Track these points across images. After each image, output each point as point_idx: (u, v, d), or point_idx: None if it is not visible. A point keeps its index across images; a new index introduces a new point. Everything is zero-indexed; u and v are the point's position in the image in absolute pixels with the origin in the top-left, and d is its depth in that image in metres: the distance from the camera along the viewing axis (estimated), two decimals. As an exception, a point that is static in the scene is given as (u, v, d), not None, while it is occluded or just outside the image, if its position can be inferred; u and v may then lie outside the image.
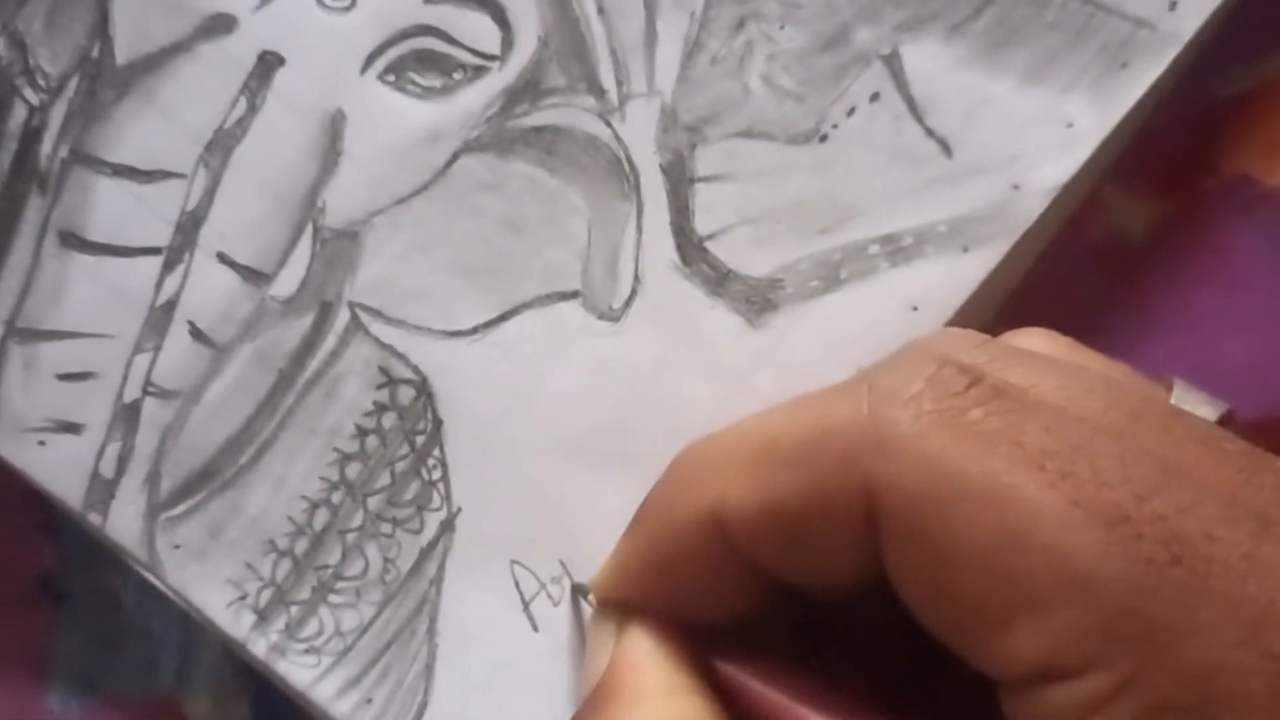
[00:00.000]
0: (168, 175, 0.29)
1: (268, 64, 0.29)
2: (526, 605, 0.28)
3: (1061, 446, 0.20)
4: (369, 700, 0.29)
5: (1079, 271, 0.30)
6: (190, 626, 0.31)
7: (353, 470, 0.29)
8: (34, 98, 0.29)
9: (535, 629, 0.28)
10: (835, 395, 0.22)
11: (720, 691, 0.24)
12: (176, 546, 0.29)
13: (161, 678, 0.32)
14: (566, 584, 0.28)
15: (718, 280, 0.28)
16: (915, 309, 0.28)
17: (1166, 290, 0.30)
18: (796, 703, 0.23)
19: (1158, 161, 0.30)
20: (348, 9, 0.29)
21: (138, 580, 0.29)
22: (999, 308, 0.29)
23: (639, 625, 0.25)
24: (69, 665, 0.32)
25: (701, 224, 0.28)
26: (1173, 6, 0.27)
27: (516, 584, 0.28)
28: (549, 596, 0.28)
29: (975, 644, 0.21)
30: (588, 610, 0.27)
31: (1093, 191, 0.29)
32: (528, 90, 0.29)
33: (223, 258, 0.29)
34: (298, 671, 0.29)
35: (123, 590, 0.32)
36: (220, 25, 0.29)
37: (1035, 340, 0.24)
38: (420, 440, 0.29)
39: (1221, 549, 0.19)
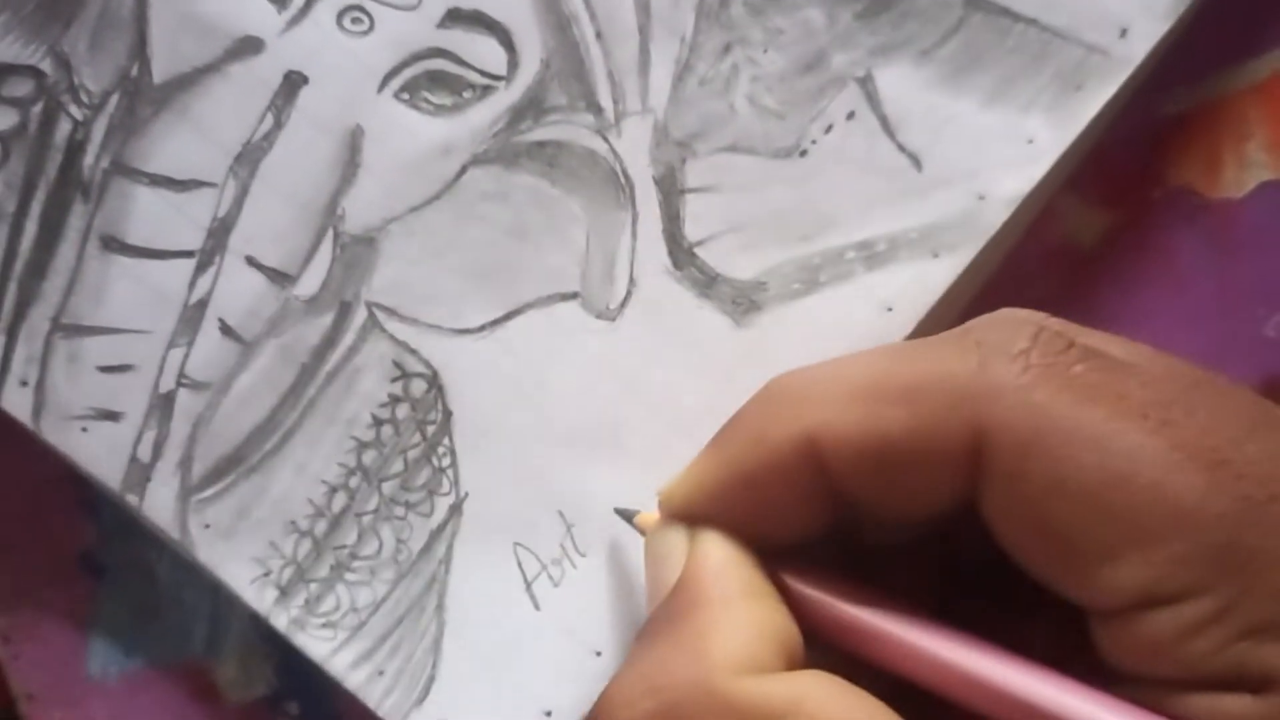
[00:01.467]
0: (200, 185, 0.29)
1: (292, 83, 0.29)
2: (529, 585, 0.29)
3: (1159, 398, 0.21)
4: (381, 672, 0.29)
5: (1037, 273, 0.30)
6: (219, 597, 0.31)
7: (369, 457, 0.29)
8: (78, 113, 0.29)
9: (537, 607, 0.29)
10: (941, 346, 0.23)
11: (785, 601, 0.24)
12: (207, 526, 0.29)
13: (193, 645, 0.32)
14: (566, 566, 0.29)
15: (706, 283, 0.29)
16: (889, 309, 0.29)
17: (1116, 291, 0.31)
18: (864, 611, 0.23)
19: (1108, 174, 0.31)
20: (366, 33, 0.29)
21: (171, 555, 0.30)
22: (965, 307, 0.29)
23: (714, 534, 0.25)
24: (108, 634, 0.32)
25: (691, 231, 0.29)
26: (1123, 34, 0.28)
27: (519, 565, 0.29)
28: (549, 577, 0.29)
29: (1076, 575, 0.22)
30: (627, 535, 0.28)
31: (1050, 201, 0.30)
32: (531, 108, 0.29)
33: (251, 260, 0.29)
34: (315, 644, 0.29)
35: (157, 564, 0.32)
36: (249, 47, 0.29)
37: None
38: (431, 430, 0.29)
39: None
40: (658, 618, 0.24)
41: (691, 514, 0.25)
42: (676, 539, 0.25)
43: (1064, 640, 0.23)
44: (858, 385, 0.23)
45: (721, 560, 0.24)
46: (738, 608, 0.23)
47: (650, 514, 0.27)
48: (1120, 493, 0.21)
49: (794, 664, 0.23)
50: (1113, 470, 0.21)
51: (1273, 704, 0.20)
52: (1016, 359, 0.22)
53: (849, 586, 0.24)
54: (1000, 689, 0.22)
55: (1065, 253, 0.31)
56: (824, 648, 0.24)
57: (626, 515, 0.28)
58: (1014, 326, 0.23)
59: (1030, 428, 0.22)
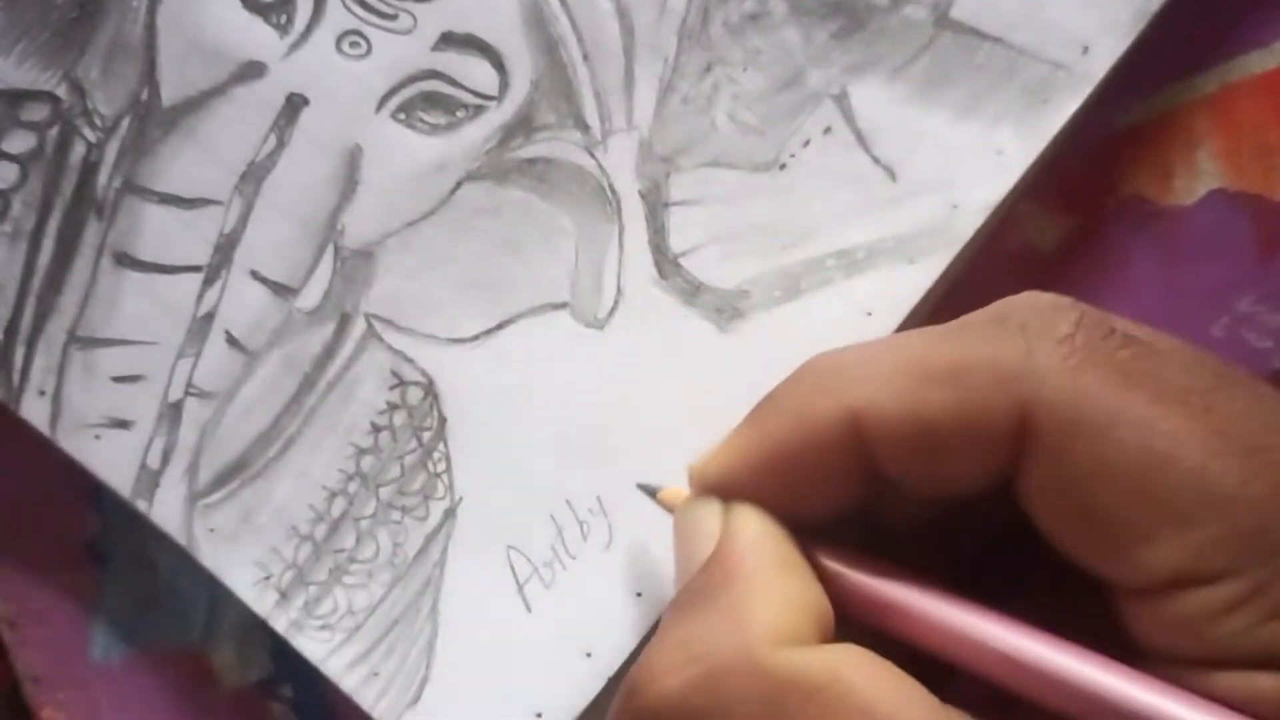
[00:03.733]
0: (208, 203, 0.30)
1: (294, 105, 0.30)
2: (521, 587, 0.29)
3: (1200, 385, 0.22)
4: (376, 674, 0.29)
5: (999, 276, 0.31)
6: (217, 586, 0.31)
7: (367, 463, 0.30)
8: (92, 136, 0.30)
9: (529, 610, 0.29)
10: (982, 329, 0.23)
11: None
12: (211, 530, 0.30)
13: (191, 631, 0.32)
14: (557, 569, 0.29)
15: (691, 292, 0.30)
16: (869, 314, 0.29)
17: (1073, 293, 0.29)
18: (897, 588, 0.23)
19: (1066, 183, 0.31)
20: (364, 56, 0.30)
21: (171, 545, 0.30)
22: (932, 309, 0.30)
23: (749, 509, 0.24)
24: (110, 620, 0.33)
25: (676, 243, 0.30)
26: (1085, 51, 0.29)
27: (512, 568, 0.29)
28: (541, 579, 0.29)
29: (1113, 554, 0.22)
30: (648, 510, 0.28)
31: (1011, 208, 0.30)
32: (522, 126, 0.30)
33: (255, 274, 0.30)
34: (313, 646, 0.30)
35: (158, 554, 0.32)
36: (252, 71, 0.30)
37: None
38: (427, 436, 0.30)
39: None
40: (693, 589, 0.24)
41: (726, 489, 0.25)
42: (710, 513, 0.25)
43: (1078, 623, 0.23)
44: (902, 364, 0.23)
45: (757, 533, 0.24)
46: (774, 580, 0.23)
47: (675, 489, 0.27)
48: (1161, 474, 0.21)
49: (828, 637, 0.23)
50: (1155, 452, 0.21)
51: None
52: (1063, 343, 0.22)
53: (878, 563, 0.24)
54: (1036, 666, 0.22)
55: (1026, 257, 0.31)
56: (852, 624, 0.24)
57: (650, 491, 0.28)
58: (1056, 312, 0.23)
59: (1075, 409, 0.22)
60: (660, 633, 0.24)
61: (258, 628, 0.31)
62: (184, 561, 0.31)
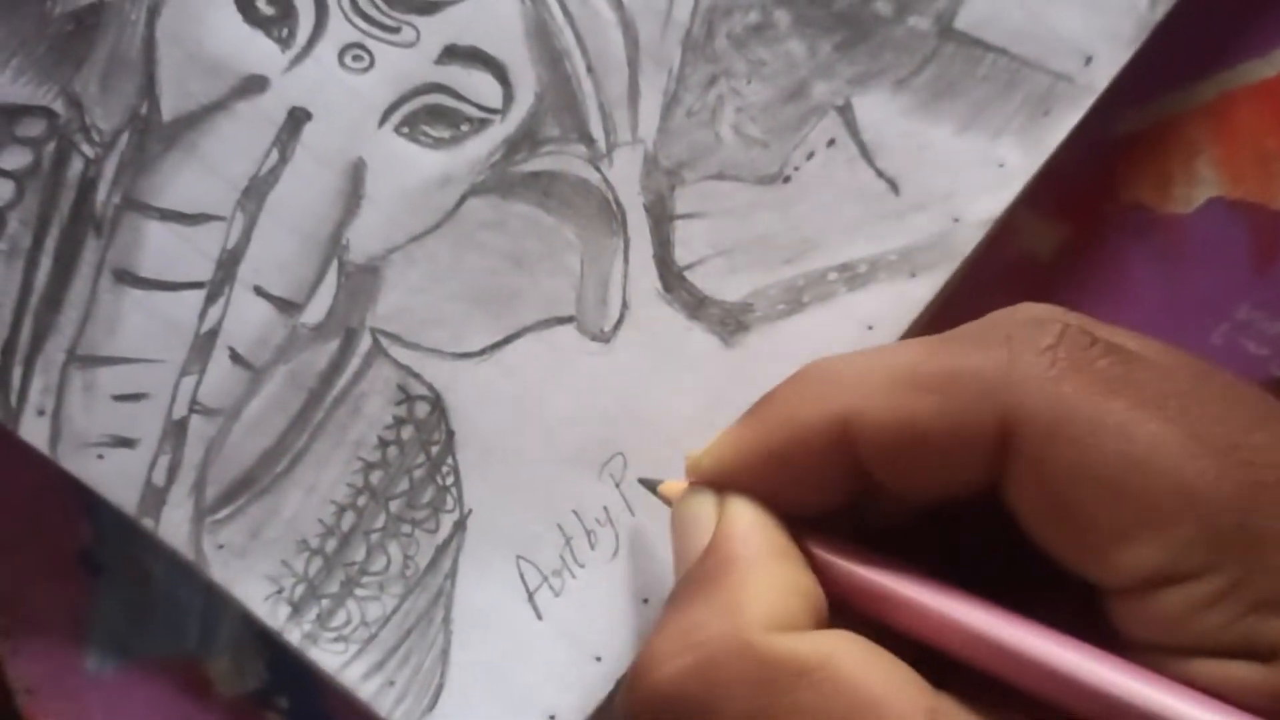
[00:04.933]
0: (209, 218, 0.30)
1: (296, 119, 0.30)
2: (531, 596, 0.30)
3: (1176, 390, 0.22)
4: (391, 683, 0.30)
5: (998, 285, 0.31)
6: (212, 595, 0.31)
7: (376, 477, 0.30)
8: (90, 151, 0.30)
9: (539, 617, 0.30)
10: (970, 341, 0.24)
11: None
12: (220, 546, 0.30)
13: (187, 641, 0.32)
14: (566, 577, 0.30)
15: (696, 305, 0.30)
16: (870, 328, 0.30)
17: (1072, 301, 0.30)
18: (886, 577, 0.24)
19: (1065, 191, 0.31)
20: (366, 69, 0.30)
21: (166, 555, 0.30)
22: (931, 318, 0.30)
23: (743, 500, 0.25)
24: (105, 631, 0.32)
25: (681, 256, 0.30)
26: (1088, 62, 0.29)
27: (522, 577, 0.30)
28: (550, 588, 0.30)
29: (1094, 555, 0.22)
30: (654, 519, 0.28)
31: (1009, 216, 0.30)
32: (526, 140, 0.30)
33: (259, 290, 0.30)
34: (328, 658, 0.30)
35: (153, 563, 0.32)
36: (254, 85, 0.30)
37: None
38: (435, 450, 0.30)
39: None
40: (691, 578, 0.25)
41: (720, 480, 0.26)
42: (705, 503, 0.26)
43: (1066, 619, 0.24)
44: (892, 373, 0.24)
45: (751, 523, 0.25)
46: (768, 568, 0.24)
47: (674, 483, 0.27)
48: (1138, 477, 0.22)
49: (821, 624, 0.24)
50: (1132, 456, 0.22)
51: (1278, 672, 0.22)
52: (1044, 353, 0.23)
53: (869, 554, 0.25)
54: (1023, 653, 0.23)
55: (1024, 265, 0.32)
56: (845, 615, 0.24)
57: (650, 485, 0.28)
58: (1040, 324, 0.23)
59: (1056, 416, 0.22)
60: (661, 622, 0.24)
61: (253, 637, 0.31)
62: (179, 572, 0.31)
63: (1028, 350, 0.23)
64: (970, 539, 0.26)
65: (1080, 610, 0.24)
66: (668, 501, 0.27)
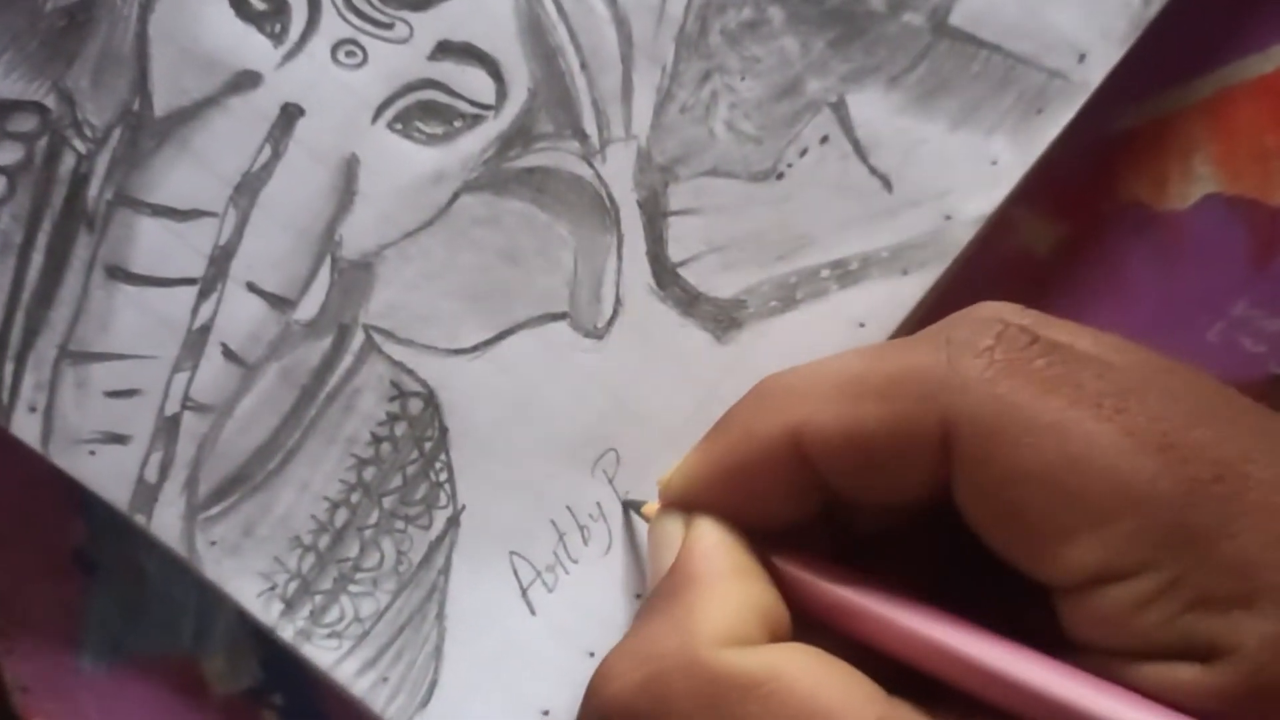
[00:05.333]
0: (202, 214, 0.30)
1: (289, 115, 0.30)
2: (524, 591, 0.30)
3: (1113, 389, 0.22)
4: (385, 679, 0.30)
5: (993, 283, 0.31)
6: (207, 593, 0.31)
7: (369, 473, 0.30)
8: (82, 147, 0.30)
9: (533, 613, 0.30)
10: (915, 345, 0.24)
11: (776, 582, 0.25)
12: (213, 543, 0.30)
13: (181, 639, 0.32)
14: (559, 573, 0.30)
15: (689, 302, 0.30)
16: (862, 325, 0.30)
17: (1068, 300, 0.31)
18: (845, 590, 0.25)
19: (1061, 188, 0.31)
20: (360, 65, 0.30)
21: (160, 553, 0.30)
22: (925, 315, 0.30)
23: (707, 520, 0.26)
24: (98, 629, 0.32)
25: (674, 252, 0.30)
26: (1081, 59, 0.29)
27: (515, 573, 0.30)
28: (544, 583, 0.30)
29: (1037, 555, 0.23)
30: (638, 524, 0.29)
31: (1005, 213, 0.30)
32: (520, 136, 0.30)
33: (251, 286, 0.30)
34: (321, 654, 0.30)
35: (147, 561, 0.32)
36: (247, 81, 0.30)
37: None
38: (428, 446, 0.30)
39: (1257, 468, 0.22)
40: (653, 596, 0.25)
41: (687, 501, 0.27)
42: (674, 525, 0.27)
43: (1026, 625, 0.24)
44: (838, 382, 0.24)
45: (713, 543, 0.25)
46: (725, 585, 0.25)
47: (653, 505, 0.28)
48: (1076, 476, 0.22)
49: (778, 639, 0.24)
50: (1069, 455, 0.22)
51: (1218, 672, 0.22)
52: (981, 354, 0.23)
53: (837, 570, 0.25)
54: (969, 660, 0.23)
55: (1020, 263, 0.31)
56: (817, 629, 0.25)
57: (634, 505, 0.29)
58: (981, 324, 0.24)
59: (993, 417, 0.23)
60: (623, 638, 0.25)
61: (248, 635, 0.31)
62: (173, 569, 0.31)
63: (966, 352, 0.23)
64: (937, 547, 0.26)
65: (1037, 615, 0.24)
66: (649, 521, 0.28)
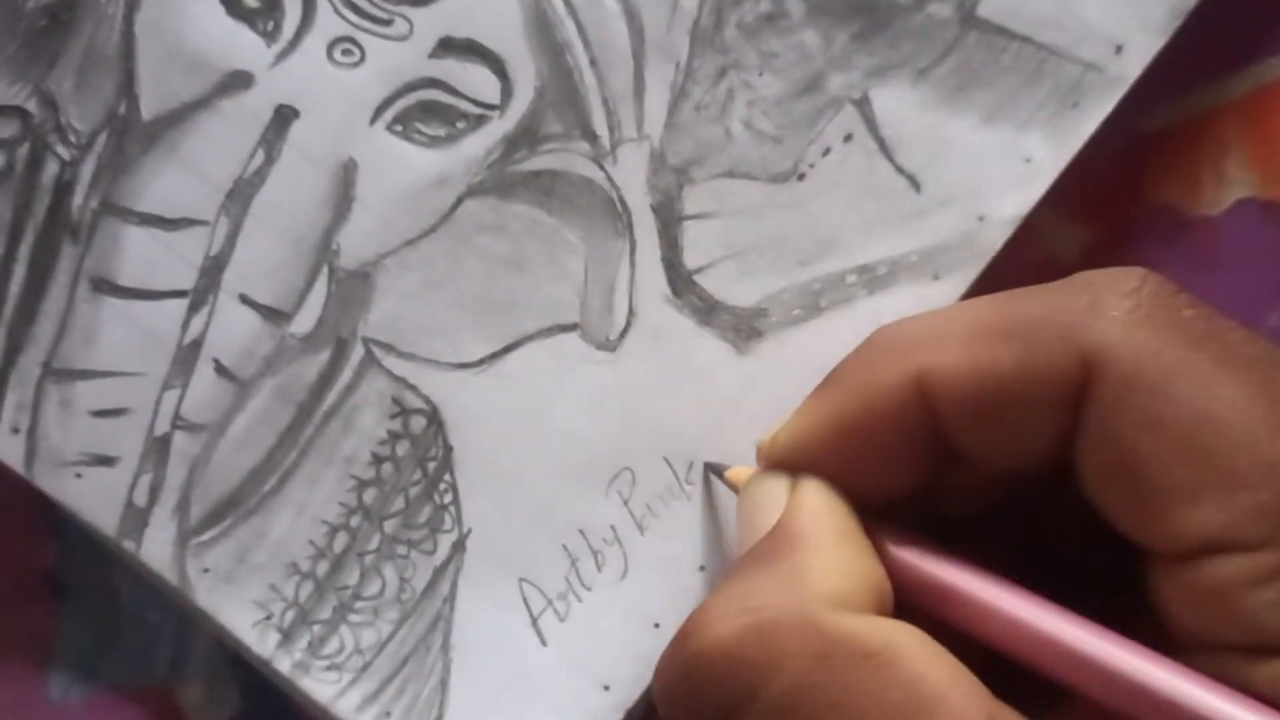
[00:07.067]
0: (192, 223, 0.29)
1: (283, 117, 0.29)
2: (535, 620, 0.29)
3: (1264, 356, 0.22)
4: (388, 714, 0.29)
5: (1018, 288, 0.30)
6: (184, 619, 0.31)
7: (369, 496, 0.30)
8: (65, 153, 0.29)
9: (543, 643, 0.29)
10: (1050, 289, 0.24)
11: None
12: (206, 570, 0.29)
13: (157, 667, 0.32)
14: (571, 600, 0.29)
15: (706, 310, 0.29)
16: None
17: None
18: (957, 573, 0.24)
19: (1089, 190, 0.31)
20: (357, 64, 0.29)
21: (135, 575, 0.30)
22: None
23: (815, 481, 0.25)
24: (69, 656, 0.32)
25: (690, 259, 0.29)
26: (1119, 50, 0.29)
27: (525, 600, 0.29)
28: (555, 612, 0.29)
29: (1154, 513, 0.22)
30: (717, 488, 0.29)
31: (1030, 217, 0.30)
32: (526, 137, 0.30)
33: (244, 299, 0.30)
34: (321, 688, 0.29)
35: (120, 584, 0.32)
36: (238, 82, 0.29)
37: None
38: (432, 466, 0.30)
39: None
40: (753, 554, 0.25)
41: (793, 462, 0.26)
42: (776, 486, 0.26)
43: (1125, 620, 0.23)
44: (967, 325, 0.24)
45: (822, 505, 0.25)
46: (836, 549, 0.24)
47: (741, 468, 0.27)
48: (1212, 436, 0.22)
49: (884, 613, 0.24)
50: (1210, 413, 0.22)
51: None
52: (1128, 296, 0.23)
53: (938, 548, 0.25)
54: (1086, 656, 0.22)
55: (1046, 269, 0.31)
56: (909, 612, 0.24)
57: (717, 470, 0.28)
58: (1125, 272, 0.23)
59: (1136, 361, 0.22)
60: (717, 589, 0.24)
61: (227, 664, 0.31)
62: (148, 593, 0.30)
63: (1111, 293, 0.23)
64: (1039, 535, 0.26)
65: (1140, 609, 0.23)
66: (734, 488, 0.27)
